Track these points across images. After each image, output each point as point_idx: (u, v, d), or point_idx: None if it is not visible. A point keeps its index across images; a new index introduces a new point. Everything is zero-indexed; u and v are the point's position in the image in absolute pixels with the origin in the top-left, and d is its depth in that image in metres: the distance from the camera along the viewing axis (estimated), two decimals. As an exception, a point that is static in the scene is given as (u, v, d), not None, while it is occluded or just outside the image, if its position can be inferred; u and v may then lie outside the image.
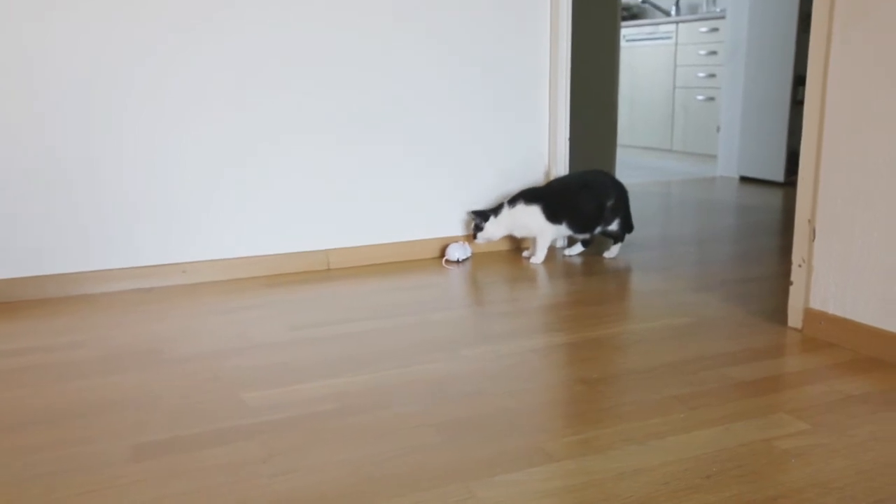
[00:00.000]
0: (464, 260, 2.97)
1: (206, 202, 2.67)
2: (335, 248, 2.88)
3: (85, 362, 1.97)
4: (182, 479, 1.40)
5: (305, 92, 2.73)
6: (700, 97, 5.51)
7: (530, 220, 2.88)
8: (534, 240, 2.94)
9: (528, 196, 2.89)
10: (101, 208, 2.55)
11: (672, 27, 5.74)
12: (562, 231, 2.91)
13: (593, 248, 3.08)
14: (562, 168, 3.14)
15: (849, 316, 1.98)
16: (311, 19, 2.69)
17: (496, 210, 2.90)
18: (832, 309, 2.02)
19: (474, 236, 2.94)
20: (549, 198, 2.88)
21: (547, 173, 3.16)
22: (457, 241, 3.00)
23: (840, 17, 1.92)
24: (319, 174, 2.81)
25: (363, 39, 2.78)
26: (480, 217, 2.91)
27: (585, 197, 2.88)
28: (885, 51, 1.83)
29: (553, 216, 2.86)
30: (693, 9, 6.26)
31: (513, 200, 2.90)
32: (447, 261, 2.95)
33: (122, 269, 2.60)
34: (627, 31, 6.10)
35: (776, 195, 4.38)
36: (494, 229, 2.90)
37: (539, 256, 2.92)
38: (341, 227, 2.88)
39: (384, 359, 1.96)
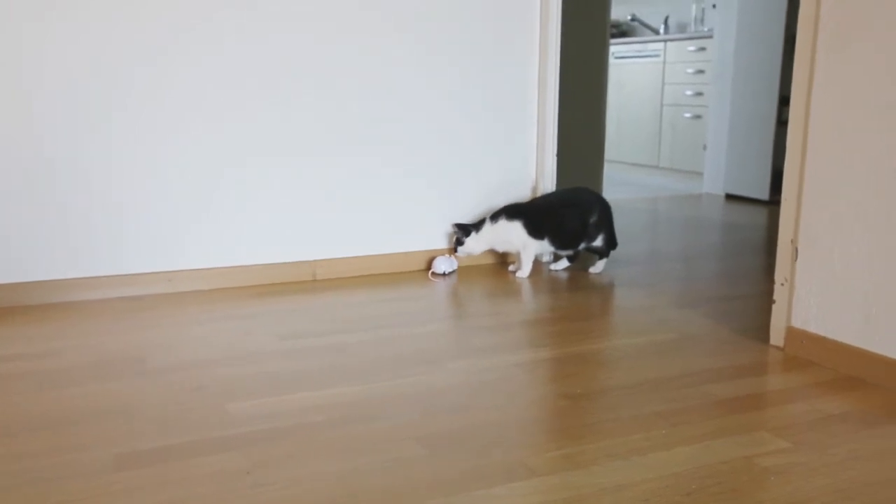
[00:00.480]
0: (450, 273, 2.98)
1: (193, 211, 2.67)
2: (321, 259, 2.88)
3: (69, 370, 1.96)
4: (165, 489, 1.39)
5: (293, 104, 2.74)
6: (687, 115, 5.57)
7: (512, 236, 2.90)
8: (519, 254, 2.96)
9: (510, 211, 2.92)
10: (87, 215, 2.54)
11: (660, 45, 5.79)
12: (545, 247, 2.93)
13: (579, 264, 3.10)
14: (549, 183, 3.16)
15: (830, 335, 2.00)
16: (300, 32, 2.71)
17: (478, 225, 2.93)
18: (813, 328, 2.04)
19: (455, 249, 2.96)
20: (532, 214, 2.90)
21: (534, 188, 3.18)
22: (443, 255, 3.01)
23: (823, 42, 1.96)
24: (307, 185, 2.81)
25: (355, 53, 2.79)
26: (462, 231, 2.93)
27: (568, 214, 2.90)
28: (865, 76, 1.86)
29: (535, 232, 2.89)
30: (681, 28, 6.33)
31: (495, 216, 2.92)
32: (433, 273, 2.96)
33: (108, 276, 2.59)
34: (616, 48, 6.15)
35: (761, 213, 4.42)
36: (475, 244, 2.93)
37: (524, 271, 2.94)
38: (328, 238, 2.88)
39: (370, 371, 1.96)
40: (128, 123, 2.54)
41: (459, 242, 2.93)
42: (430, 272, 2.97)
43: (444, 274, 2.96)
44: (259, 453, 1.53)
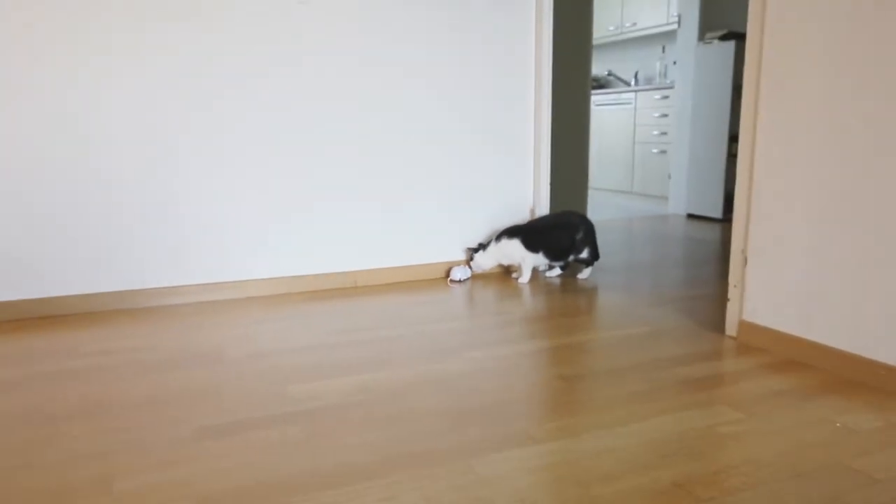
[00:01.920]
0: (465, 280, 2.98)
1: (260, 232, 2.69)
2: (362, 270, 2.89)
3: (162, 360, 1.98)
4: (238, 455, 1.40)
5: (343, 149, 2.76)
6: (655, 150, 5.55)
7: (513, 251, 2.92)
8: (520, 265, 2.97)
9: (510, 232, 2.94)
10: (175, 236, 2.57)
11: (632, 95, 5.79)
12: (540, 259, 2.93)
13: (569, 272, 3.09)
14: (544, 207, 3.16)
15: (774, 326, 1.99)
16: (347, 70, 2.73)
17: (485, 245, 2.96)
18: (761, 321, 2.03)
19: (469, 266, 3.00)
20: (528, 232, 2.92)
21: (532, 211, 3.18)
22: (459, 265, 3.01)
23: (765, 88, 1.95)
24: (350, 211, 2.83)
25: (389, 99, 2.82)
26: (473, 251, 2.97)
27: (558, 232, 2.91)
28: (800, 112, 1.86)
29: (531, 246, 2.90)
30: (649, 80, 6.32)
31: (499, 236, 2.95)
32: (451, 280, 2.96)
33: (193, 285, 2.62)
34: (596, 97, 6.16)
35: (716, 229, 4.39)
36: (483, 260, 2.95)
37: (524, 278, 2.94)
38: (366, 252, 2.90)
39: (401, 359, 1.97)
40: (211, 156, 2.57)
41: (472, 259, 2.97)
42: (448, 279, 2.97)
43: (460, 280, 2.96)
44: (314, 426, 1.53)
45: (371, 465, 1.36)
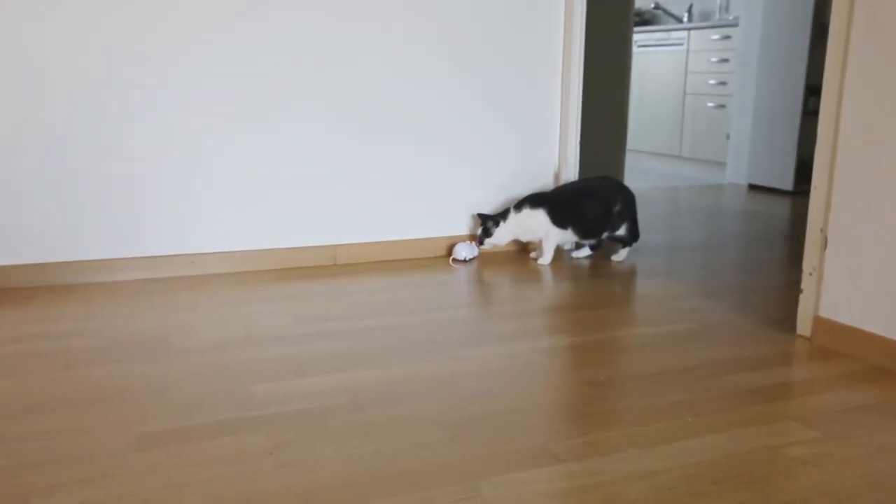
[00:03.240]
0: (470, 259, 2.96)
1: (216, 194, 2.67)
2: (343, 244, 2.87)
3: (92, 350, 1.96)
4: (187, 469, 1.39)
5: (317, 90, 2.73)
6: (710, 104, 5.50)
7: (536, 224, 2.88)
8: (541, 242, 2.93)
9: (534, 200, 2.89)
10: (110, 197, 2.55)
11: (684, 34, 5.72)
12: (567, 236, 2.90)
13: (601, 251, 3.07)
14: (572, 172, 3.13)
15: (858, 325, 1.96)
16: (325, 23, 2.69)
17: (504, 215, 2.91)
18: (842, 318, 2.01)
19: (481, 241, 2.93)
20: (556, 203, 2.88)
21: (557, 176, 3.15)
22: (464, 241, 2.99)
23: (858, 28, 1.91)
24: (329, 170, 2.80)
25: (379, 46, 2.77)
26: (491, 221, 2.90)
27: (591, 203, 2.87)
28: (902, 60, 1.82)
29: (559, 220, 2.86)
30: (705, 16, 6.24)
31: (519, 205, 2.91)
32: (454, 259, 2.94)
33: (130, 258, 2.60)
34: (639, 36, 6.08)
35: (784, 204, 4.36)
36: (502, 234, 2.91)
37: (546, 258, 2.91)
38: (349, 223, 2.87)
39: (392, 355, 1.95)
40: (153, 107, 2.54)
41: (487, 234, 2.91)
42: (451, 258, 2.95)
43: (465, 260, 2.94)
44: (281, 434, 1.52)
45: (351, 484, 1.34)
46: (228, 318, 2.22)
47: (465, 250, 2.95)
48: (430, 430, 1.55)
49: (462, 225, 3.05)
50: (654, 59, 6.02)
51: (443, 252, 3.02)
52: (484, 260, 2.98)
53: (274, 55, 2.65)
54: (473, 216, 3.03)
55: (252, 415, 1.61)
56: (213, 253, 2.70)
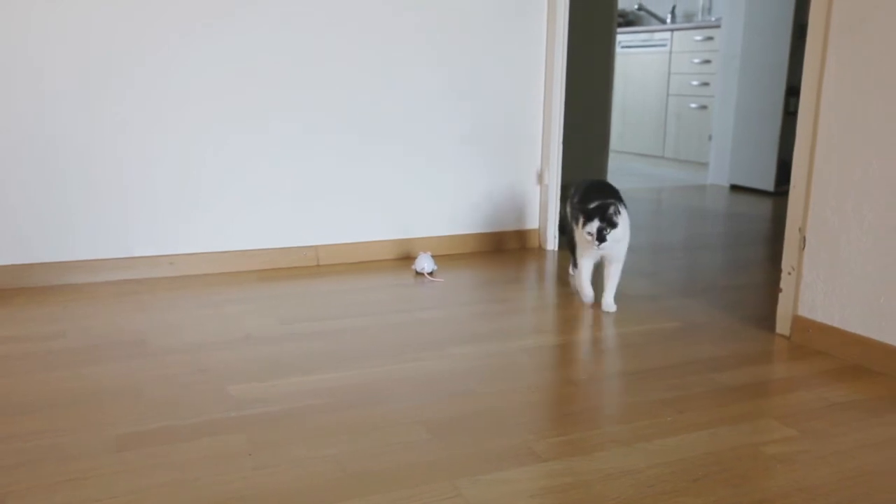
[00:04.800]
0: (431, 272, 2.72)
1: (195, 195, 2.65)
2: (325, 244, 2.86)
3: (70, 352, 1.95)
4: (166, 470, 1.38)
5: (297, 91, 2.72)
6: (693, 105, 5.53)
7: (622, 232, 2.26)
8: (608, 263, 2.35)
9: (619, 197, 2.32)
10: (89, 198, 2.53)
11: (667, 35, 5.75)
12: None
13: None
14: (555, 173, 3.14)
15: (836, 324, 1.99)
16: (308, 27, 2.68)
17: (616, 207, 2.22)
18: (820, 317, 2.03)
19: (602, 239, 2.19)
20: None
21: (539, 175, 3.16)
22: (424, 252, 2.77)
23: (836, 24, 1.93)
24: (311, 171, 2.79)
25: (363, 49, 2.77)
26: (612, 207, 2.20)
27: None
28: (878, 58, 1.84)
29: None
30: (688, 17, 6.29)
31: (595, 210, 2.21)
32: (417, 271, 2.73)
33: (110, 259, 2.58)
34: (622, 37, 6.11)
35: (766, 204, 4.40)
36: (625, 228, 2.27)
37: (613, 289, 2.36)
38: (331, 224, 2.87)
39: (373, 356, 1.95)
40: (132, 109, 2.52)
41: (611, 224, 2.20)
42: (415, 269, 2.75)
43: (430, 273, 2.71)
44: (260, 435, 1.52)
45: (331, 485, 1.34)
46: (208, 319, 2.22)
47: (426, 262, 2.71)
48: (410, 430, 1.55)
49: (444, 225, 3.05)
50: (637, 59, 6.05)
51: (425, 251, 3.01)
52: (465, 260, 2.98)
53: (256, 57, 2.64)
54: (570, 201, 2.43)
55: (231, 416, 1.60)
56: (194, 254, 2.68)
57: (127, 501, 1.28)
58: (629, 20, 6.70)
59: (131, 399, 1.68)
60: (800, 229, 2.05)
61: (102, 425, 1.55)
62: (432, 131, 2.95)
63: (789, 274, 2.10)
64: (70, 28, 2.41)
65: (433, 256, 2.82)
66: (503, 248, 3.16)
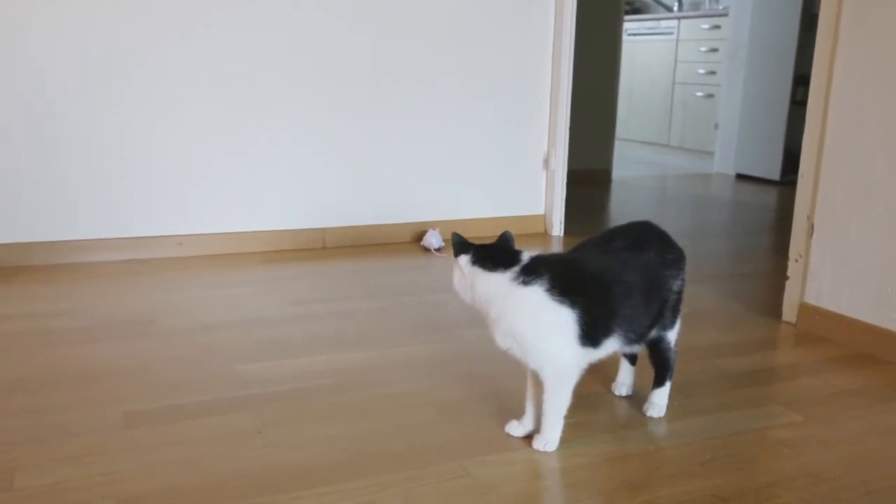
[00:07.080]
0: (439, 248, 2.83)
1: (205, 177, 2.65)
2: (332, 227, 2.86)
3: (78, 330, 1.95)
4: (175, 447, 1.38)
5: (307, 75, 2.71)
6: (699, 94, 5.51)
7: None
8: None
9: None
10: (98, 178, 2.52)
11: (674, 23, 5.72)
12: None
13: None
14: (561, 159, 3.12)
15: (843, 311, 1.98)
16: (317, 16, 2.67)
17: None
18: (827, 304, 2.02)
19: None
20: None
21: (545, 162, 3.15)
22: (433, 229, 2.86)
23: (846, 20, 1.91)
24: (319, 153, 2.79)
25: (371, 37, 2.75)
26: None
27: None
28: (886, 56, 1.82)
29: None
30: (696, 5, 6.25)
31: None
32: (426, 247, 2.84)
33: (116, 238, 2.58)
34: (629, 25, 6.08)
35: (772, 193, 4.38)
36: None
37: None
38: (338, 206, 2.86)
39: (380, 337, 1.95)
40: (142, 87, 2.51)
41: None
42: (423, 244, 2.85)
43: (438, 250, 2.82)
44: (269, 414, 1.52)
45: (338, 465, 1.34)
46: (215, 300, 2.22)
47: (433, 238, 2.82)
48: (417, 411, 1.55)
49: (447, 209, 3.04)
50: (644, 47, 6.02)
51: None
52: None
53: (264, 43, 2.63)
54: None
55: (239, 395, 1.60)
56: (202, 234, 2.68)
57: (134, 478, 1.28)
58: (636, 8, 6.66)
59: (139, 377, 1.68)
60: (808, 217, 2.04)
61: (111, 403, 1.55)
62: (439, 116, 2.94)
63: (796, 261, 2.09)
64: (70, 28, 2.40)
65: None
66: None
